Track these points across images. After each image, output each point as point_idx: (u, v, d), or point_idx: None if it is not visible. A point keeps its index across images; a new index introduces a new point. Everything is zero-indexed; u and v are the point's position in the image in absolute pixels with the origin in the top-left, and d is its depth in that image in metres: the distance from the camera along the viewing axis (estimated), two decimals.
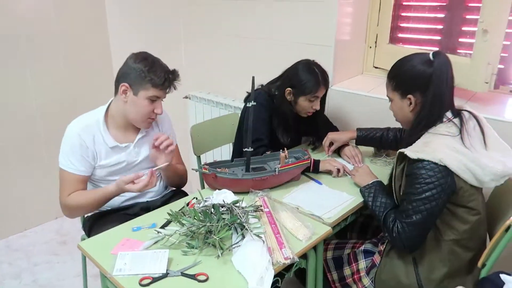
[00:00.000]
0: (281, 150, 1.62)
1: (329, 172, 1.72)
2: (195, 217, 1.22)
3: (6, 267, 2.42)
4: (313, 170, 1.72)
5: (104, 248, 1.23)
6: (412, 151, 1.27)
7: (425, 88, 1.31)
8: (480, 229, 1.34)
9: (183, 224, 1.25)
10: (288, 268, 1.27)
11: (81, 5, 2.86)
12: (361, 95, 2.02)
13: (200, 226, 1.21)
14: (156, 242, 1.24)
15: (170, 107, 1.87)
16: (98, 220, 1.62)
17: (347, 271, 1.53)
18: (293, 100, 1.81)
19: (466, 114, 1.36)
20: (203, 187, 2.04)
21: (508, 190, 1.46)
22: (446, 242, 1.32)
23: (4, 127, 2.59)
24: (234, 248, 1.20)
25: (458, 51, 1.97)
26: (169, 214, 1.28)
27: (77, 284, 2.26)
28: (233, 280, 1.10)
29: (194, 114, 2.68)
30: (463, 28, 1.95)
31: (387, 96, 1.46)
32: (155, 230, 1.27)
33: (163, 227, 1.33)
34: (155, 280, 1.09)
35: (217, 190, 1.46)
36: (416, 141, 1.33)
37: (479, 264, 1.30)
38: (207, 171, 1.51)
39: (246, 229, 1.21)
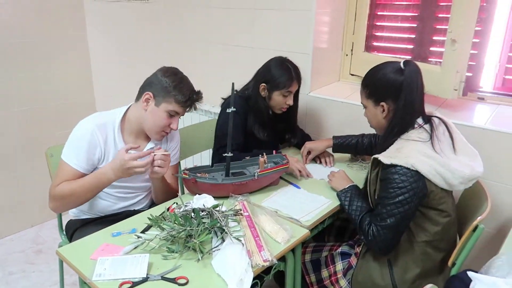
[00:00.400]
0: (260, 155, 1.65)
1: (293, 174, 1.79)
2: (176, 222, 1.24)
3: None
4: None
5: (83, 253, 1.23)
6: (385, 157, 1.32)
7: (397, 96, 1.36)
8: (450, 230, 1.40)
9: (163, 229, 1.26)
10: (267, 271, 1.30)
11: (60, 13, 2.84)
12: (338, 101, 2.07)
13: (181, 230, 1.23)
14: (136, 247, 1.25)
15: None
16: (81, 227, 1.61)
17: (324, 273, 1.57)
18: (268, 95, 1.85)
19: (436, 120, 1.42)
20: (183, 192, 2.05)
21: (476, 192, 1.53)
22: (418, 244, 1.37)
23: None
24: (214, 251, 1.22)
25: (429, 59, 2.05)
26: (149, 218, 1.29)
27: None
28: (213, 283, 1.12)
29: None
30: (434, 38, 2.03)
31: (361, 103, 1.51)
32: (135, 235, 1.28)
33: (143, 232, 1.33)
34: (135, 284, 1.10)
35: (197, 195, 1.47)
36: (390, 147, 1.38)
37: (449, 263, 1.36)
38: (187, 176, 1.52)
39: (226, 233, 1.23)
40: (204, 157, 2.53)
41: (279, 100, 1.85)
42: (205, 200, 1.41)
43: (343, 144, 1.86)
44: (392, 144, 1.39)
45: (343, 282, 1.50)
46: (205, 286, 1.11)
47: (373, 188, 1.42)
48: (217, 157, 1.91)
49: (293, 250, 1.39)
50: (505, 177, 1.64)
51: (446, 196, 1.35)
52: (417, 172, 1.28)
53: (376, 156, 1.36)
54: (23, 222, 2.84)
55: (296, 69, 1.85)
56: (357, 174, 1.79)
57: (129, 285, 1.09)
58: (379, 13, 2.20)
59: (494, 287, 1.00)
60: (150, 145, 1.62)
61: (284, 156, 1.68)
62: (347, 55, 2.30)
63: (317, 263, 1.60)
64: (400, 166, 1.28)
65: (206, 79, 2.59)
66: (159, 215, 1.36)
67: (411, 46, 2.14)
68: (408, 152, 1.31)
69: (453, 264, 1.36)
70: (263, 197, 1.60)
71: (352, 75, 2.31)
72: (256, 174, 1.57)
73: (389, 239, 1.33)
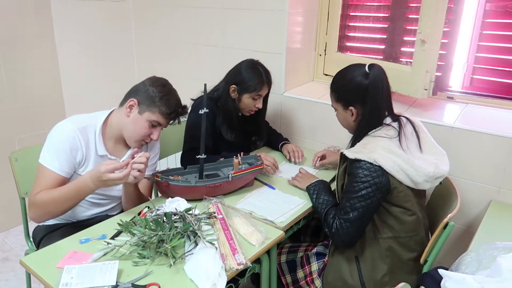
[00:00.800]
0: (234, 156, 1.64)
1: (280, 139, 1.89)
2: (147, 226, 1.20)
3: None
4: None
5: (49, 262, 1.18)
6: (351, 152, 1.35)
7: (364, 100, 1.38)
8: (420, 230, 1.42)
9: (134, 234, 1.22)
10: (242, 274, 1.28)
11: (26, 14, 2.73)
12: (311, 101, 2.08)
13: (152, 235, 1.19)
14: (105, 254, 1.20)
15: None
16: (49, 233, 1.55)
17: (300, 273, 1.56)
18: (237, 97, 1.84)
19: (404, 119, 1.45)
20: (156, 195, 2.00)
21: (446, 190, 1.56)
22: (383, 239, 1.39)
23: None
24: (187, 256, 1.19)
25: (400, 59, 2.08)
26: (119, 224, 1.25)
27: None
28: None
29: None
30: (405, 38, 2.07)
31: (331, 106, 1.52)
32: (104, 241, 1.24)
33: (113, 238, 1.29)
34: None
35: (170, 198, 1.44)
36: (357, 143, 1.40)
37: (421, 260, 1.38)
38: (159, 179, 1.49)
39: (199, 237, 1.20)
40: (175, 160, 2.49)
41: (248, 103, 1.84)
42: (177, 204, 1.37)
43: None
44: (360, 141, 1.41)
45: (318, 282, 1.50)
46: None
47: (340, 183, 1.44)
48: (185, 159, 1.87)
49: (268, 252, 1.38)
50: (474, 174, 1.69)
51: (411, 194, 1.37)
52: (380, 167, 1.30)
53: (342, 151, 1.38)
54: None
55: (267, 73, 1.85)
56: (323, 176, 1.78)
57: None
58: (351, 13, 2.22)
59: (463, 284, 1.02)
60: (129, 152, 1.57)
61: (259, 157, 1.67)
62: (320, 55, 2.31)
63: (292, 263, 1.59)
64: (364, 161, 1.31)
65: (176, 79, 2.53)
66: (130, 220, 1.32)
67: (382, 47, 2.17)
68: (373, 147, 1.33)
69: (425, 261, 1.38)
70: (238, 199, 1.58)
71: (326, 75, 2.32)
72: (230, 175, 1.55)
73: (351, 232, 1.35)
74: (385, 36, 2.14)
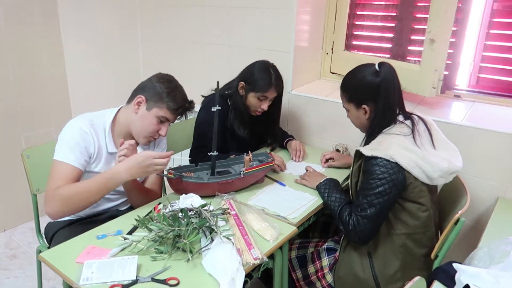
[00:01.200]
0: (245, 153, 1.65)
1: (285, 136, 1.93)
2: (164, 222, 1.22)
3: None
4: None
5: (67, 257, 1.19)
6: (367, 149, 1.36)
7: (376, 97, 1.40)
8: (431, 226, 1.44)
9: (151, 230, 1.23)
10: (254, 269, 1.30)
11: (33, 13, 2.73)
12: (319, 99, 2.10)
13: (169, 231, 1.21)
14: (123, 249, 1.22)
15: None
16: (61, 229, 1.56)
17: (311, 269, 1.58)
18: (244, 95, 1.86)
19: (415, 117, 1.47)
20: (165, 192, 2.02)
21: (455, 187, 1.58)
22: (398, 236, 1.41)
23: None
24: (203, 251, 1.21)
25: (408, 58, 2.10)
26: (136, 220, 1.26)
27: None
28: (204, 283, 1.11)
29: None
30: (412, 37, 2.09)
31: (343, 107, 1.53)
32: (122, 237, 1.25)
33: (129, 233, 1.31)
34: (125, 287, 1.07)
35: (183, 194, 1.45)
36: (372, 141, 1.42)
37: (432, 255, 1.40)
38: (173, 176, 1.50)
39: (216, 232, 1.22)
40: (186, 156, 2.50)
41: (253, 102, 1.85)
42: (192, 200, 1.39)
43: None
44: (375, 138, 1.42)
45: (329, 277, 1.52)
46: (197, 286, 1.10)
47: (354, 180, 1.46)
48: (193, 156, 1.89)
49: (280, 248, 1.40)
50: (482, 171, 1.71)
51: (425, 190, 1.39)
52: (396, 164, 1.31)
53: (358, 148, 1.40)
54: None
55: (278, 77, 1.85)
56: (330, 174, 1.79)
57: (118, 287, 1.07)
58: (358, 12, 2.24)
59: (478, 278, 1.04)
60: (138, 149, 1.58)
61: (269, 154, 1.68)
62: (327, 53, 2.32)
63: (303, 259, 1.61)
64: (381, 158, 1.32)
65: (183, 78, 2.55)
66: (145, 216, 1.33)
67: (389, 45, 2.18)
68: (388, 145, 1.35)
69: (436, 256, 1.40)
70: (249, 196, 1.60)
71: (333, 73, 2.34)
72: (242, 172, 1.57)
73: (368, 228, 1.37)
74: (392, 35, 2.16)
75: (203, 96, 1.97)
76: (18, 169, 1.67)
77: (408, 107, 1.50)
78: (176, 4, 2.43)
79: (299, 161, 1.94)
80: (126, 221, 1.38)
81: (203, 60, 2.43)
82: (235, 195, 1.56)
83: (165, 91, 1.50)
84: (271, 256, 1.38)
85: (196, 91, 1.97)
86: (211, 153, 1.56)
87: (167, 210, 1.35)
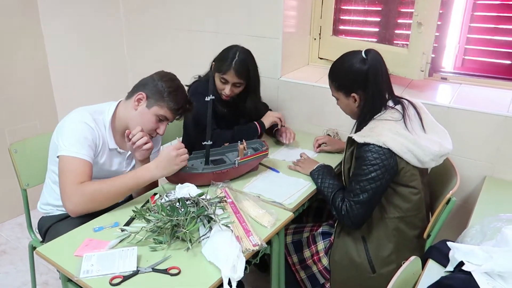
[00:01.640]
0: (239, 142, 1.65)
1: (274, 124, 1.92)
2: (163, 212, 1.21)
3: None
4: (261, 130, 1.87)
5: (65, 251, 1.18)
6: (359, 136, 1.38)
7: (365, 85, 1.41)
8: (423, 207, 1.48)
9: (149, 220, 1.23)
10: (254, 255, 1.31)
11: (11, 4, 2.63)
12: (308, 85, 2.10)
13: (167, 220, 1.21)
14: (121, 241, 1.21)
15: None
16: (55, 223, 1.54)
17: (306, 253, 1.61)
18: (212, 75, 1.78)
19: (405, 102, 1.49)
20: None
21: (443, 168, 1.62)
22: (390, 220, 1.44)
23: None
24: (202, 239, 1.21)
25: (395, 42, 2.12)
26: (133, 211, 1.26)
27: None
28: (206, 271, 1.11)
29: None
30: (399, 21, 2.10)
31: (332, 95, 1.54)
32: (119, 229, 1.25)
33: (126, 225, 1.30)
34: (126, 278, 1.07)
35: (179, 184, 1.45)
36: (364, 127, 1.43)
37: (425, 235, 1.44)
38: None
39: (214, 221, 1.23)
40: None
41: (218, 84, 1.82)
42: (188, 189, 1.39)
43: None
44: (366, 125, 1.44)
45: (325, 261, 1.55)
46: (199, 274, 1.11)
47: (347, 166, 1.47)
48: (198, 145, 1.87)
49: (277, 233, 1.41)
50: (469, 152, 1.76)
51: (417, 173, 1.42)
52: (389, 149, 1.34)
53: (350, 135, 1.41)
54: None
55: (242, 61, 1.78)
56: (323, 159, 1.81)
57: (119, 279, 1.07)
58: None
59: (471, 254, 1.08)
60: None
61: (263, 143, 1.69)
62: (315, 39, 2.32)
63: (298, 244, 1.63)
64: (373, 144, 1.34)
65: (170, 66, 2.50)
66: (142, 207, 1.33)
67: (377, 29, 2.20)
68: (380, 131, 1.36)
69: (428, 236, 1.44)
70: (244, 183, 1.60)
71: (321, 58, 2.34)
72: (236, 162, 1.57)
73: (361, 213, 1.39)
74: (379, 19, 2.17)
75: (187, 85, 1.94)
76: (2, 164, 1.63)
77: (397, 91, 1.52)
78: None
79: (289, 143, 1.94)
80: (122, 212, 1.38)
81: (190, 49, 2.40)
82: (230, 183, 1.56)
83: (166, 90, 1.48)
84: (269, 242, 1.39)
85: (185, 79, 1.93)
86: (205, 143, 1.56)
87: (164, 200, 1.35)
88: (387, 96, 1.46)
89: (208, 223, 1.25)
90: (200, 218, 1.27)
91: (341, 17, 2.28)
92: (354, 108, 1.49)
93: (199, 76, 1.94)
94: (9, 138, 2.69)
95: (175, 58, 2.47)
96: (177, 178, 1.50)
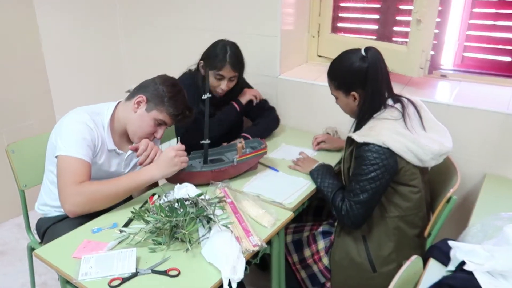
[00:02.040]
0: (237, 141, 1.64)
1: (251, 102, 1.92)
2: (161, 213, 1.20)
3: None
4: (239, 108, 1.88)
5: (63, 253, 1.18)
6: (358, 136, 1.37)
7: (365, 83, 1.40)
8: (423, 206, 1.47)
9: (147, 222, 1.22)
10: (254, 255, 1.30)
11: (6, 2, 2.61)
12: (307, 83, 2.09)
13: (166, 221, 1.20)
14: (120, 242, 1.20)
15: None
16: (53, 225, 1.53)
17: (307, 252, 1.60)
18: (205, 73, 1.76)
19: (405, 100, 1.48)
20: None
21: (444, 166, 1.61)
22: (391, 219, 1.43)
23: None
24: (202, 240, 1.20)
25: (394, 39, 2.10)
26: (132, 212, 1.25)
27: None
28: (205, 272, 1.11)
29: None
30: (397, 18, 2.09)
31: (331, 94, 1.53)
32: (118, 230, 1.24)
33: (125, 226, 1.29)
34: (125, 280, 1.07)
35: (177, 184, 1.44)
36: (363, 126, 1.42)
37: (426, 233, 1.43)
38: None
39: (214, 221, 1.22)
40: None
41: (212, 81, 1.80)
42: (187, 189, 1.38)
43: None
44: (366, 124, 1.43)
45: (326, 260, 1.54)
46: (198, 276, 1.10)
47: (346, 165, 1.47)
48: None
49: (277, 233, 1.40)
50: (469, 149, 1.74)
51: (417, 172, 1.41)
52: (388, 149, 1.33)
53: (350, 135, 1.40)
54: None
55: (235, 55, 1.78)
56: (323, 158, 1.80)
57: (119, 281, 1.06)
58: None
59: (473, 253, 1.07)
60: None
61: (262, 141, 1.68)
62: (313, 36, 2.31)
63: (298, 243, 1.63)
64: (373, 144, 1.33)
65: (165, 65, 2.51)
66: (140, 208, 1.32)
67: (376, 27, 2.18)
68: (380, 130, 1.35)
69: (429, 235, 1.44)
70: (243, 183, 1.59)
71: (320, 56, 2.33)
72: (235, 160, 1.56)
73: (361, 213, 1.39)
74: (378, 16, 2.16)
75: None
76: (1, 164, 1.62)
77: (396, 89, 1.51)
78: None
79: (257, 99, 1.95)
80: (120, 213, 1.37)
81: (187, 46, 2.38)
82: (229, 183, 1.55)
83: (167, 95, 1.47)
84: (269, 242, 1.38)
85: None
86: (203, 142, 1.55)
87: (162, 201, 1.34)
88: (386, 94, 1.45)
89: (208, 223, 1.24)
90: (199, 219, 1.26)
91: (340, 15, 2.26)
92: (353, 107, 1.48)
93: (190, 70, 1.92)
94: (7, 139, 2.68)
95: (172, 57, 2.45)
96: (176, 177, 1.49)
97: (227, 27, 2.19)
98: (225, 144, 1.70)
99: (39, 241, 1.64)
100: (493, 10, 1.91)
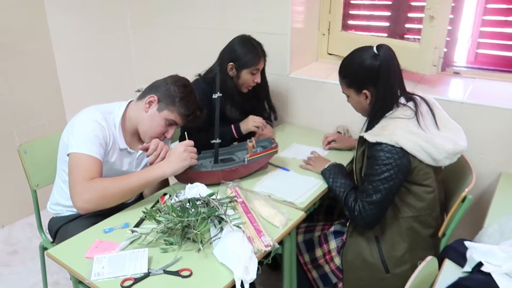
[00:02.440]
0: (248, 140, 1.63)
1: (254, 133, 1.86)
2: (173, 213, 1.20)
3: None
4: (237, 135, 1.84)
5: (75, 253, 1.18)
6: (371, 135, 1.35)
7: (376, 81, 1.38)
8: (437, 206, 1.44)
9: (159, 222, 1.22)
10: (266, 255, 1.29)
11: (18, 3, 2.63)
12: (318, 81, 2.07)
13: (178, 221, 1.19)
14: (132, 242, 1.20)
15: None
16: (65, 224, 1.53)
17: (318, 252, 1.59)
18: (236, 74, 1.83)
19: (418, 98, 1.45)
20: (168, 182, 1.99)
21: (458, 165, 1.58)
22: (404, 219, 1.41)
23: None
24: (214, 241, 1.20)
25: (405, 36, 2.08)
26: (144, 212, 1.24)
27: None
28: (218, 273, 1.10)
29: None
30: (409, 15, 2.06)
31: (343, 92, 1.51)
32: (130, 230, 1.24)
33: (136, 226, 1.29)
34: (137, 280, 1.06)
35: (188, 184, 1.44)
36: (375, 126, 1.40)
37: (440, 233, 1.41)
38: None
39: (225, 221, 1.21)
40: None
41: (247, 79, 1.83)
42: (198, 189, 1.37)
43: None
44: (378, 123, 1.41)
45: (337, 260, 1.53)
46: (211, 276, 1.09)
47: (358, 165, 1.45)
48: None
49: (289, 233, 1.39)
50: (484, 148, 1.71)
51: (430, 172, 1.39)
52: (401, 149, 1.30)
53: (362, 134, 1.38)
54: None
55: (260, 46, 1.85)
56: (334, 157, 1.78)
57: (131, 281, 1.06)
58: None
59: (490, 254, 1.05)
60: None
61: (273, 140, 1.66)
62: (324, 34, 2.29)
63: (310, 243, 1.61)
64: (385, 143, 1.31)
65: (176, 64, 2.51)
66: (152, 207, 1.32)
67: (387, 24, 2.15)
68: (393, 129, 1.33)
69: (443, 235, 1.41)
70: (254, 182, 1.58)
71: (330, 54, 2.31)
72: (246, 159, 1.55)
73: (374, 214, 1.37)
74: (390, 13, 2.13)
75: None
76: (12, 164, 1.64)
77: (408, 86, 1.49)
78: None
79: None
80: (132, 213, 1.37)
81: (197, 46, 2.38)
82: (240, 182, 1.54)
83: (178, 95, 1.47)
84: (280, 242, 1.37)
85: (190, 77, 1.93)
86: (213, 141, 1.54)
87: (173, 201, 1.34)
88: (399, 92, 1.43)
89: (219, 223, 1.23)
90: (211, 219, 1.25)
91: (350, 12, 2.24)
92: (365, 105, 1.46)
93: (199, 75, 1.92)
94: (18, 139, 2.70)
95: (182, 57, 2.45)
96: (186, 176, 1.49)
97: (238, 26, 2.18)
98: (235, 143, 1.69)
99: (51, 240, 1.65)
100: (507, 6, 1.87)
